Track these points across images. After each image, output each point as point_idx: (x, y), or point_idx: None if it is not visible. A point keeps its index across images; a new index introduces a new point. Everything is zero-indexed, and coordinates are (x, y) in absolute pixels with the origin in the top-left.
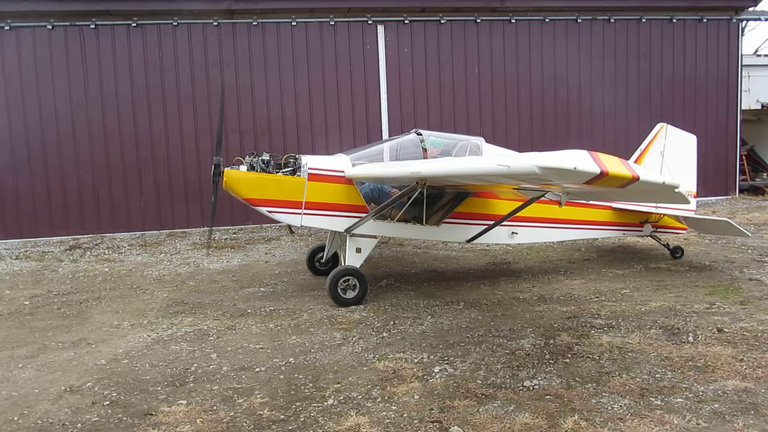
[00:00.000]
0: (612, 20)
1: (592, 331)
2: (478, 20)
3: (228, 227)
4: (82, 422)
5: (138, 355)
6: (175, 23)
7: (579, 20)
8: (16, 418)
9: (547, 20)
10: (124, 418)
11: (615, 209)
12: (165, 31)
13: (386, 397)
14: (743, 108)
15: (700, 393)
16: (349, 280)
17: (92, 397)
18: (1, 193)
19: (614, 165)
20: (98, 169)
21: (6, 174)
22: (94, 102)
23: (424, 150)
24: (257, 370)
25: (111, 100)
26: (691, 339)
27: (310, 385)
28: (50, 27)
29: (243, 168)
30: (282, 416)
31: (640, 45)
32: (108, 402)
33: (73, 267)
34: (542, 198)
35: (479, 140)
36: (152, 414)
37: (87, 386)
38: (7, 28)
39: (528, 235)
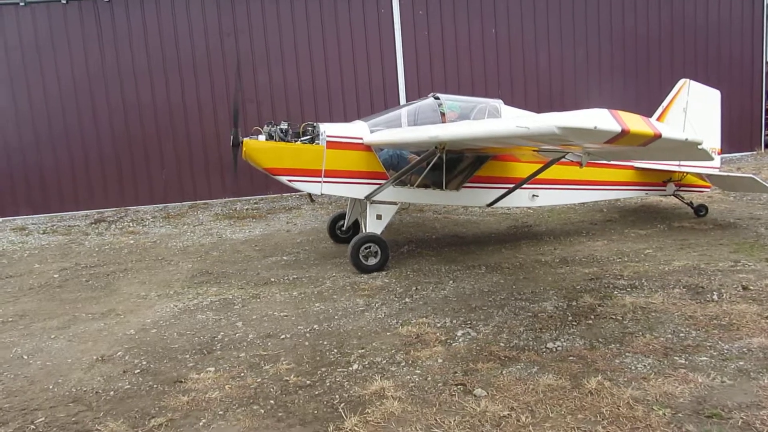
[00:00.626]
0: None
1: (615, 292)
2: None
3: (249, 197)
4: (115, 390)
5: (166, 325)
6: None
7: None
8: (51, 387)
9: None
10: (155, 386)
11: (637, 169)
12: (178, 0)
13: (410, 362)
14: None
15: (725, 351)
16: (370, 246)
17: (123, 366)
18: (26, 169)
19: (635, 123)
20: (119, 142)
21: (30, 150)
22: (112, 74)
23: (442, 114)
24: (282, 337)
25: (128, 72)
26: (715, 297)
27: (335, 351)
28: (64, 1)
29: (262, 137)
30: (308, 381)
31: None
32: (138, 370)
33: (99, 240)
34: (563, 159)
35: (498, 103)
36: (182, 381)
37: (118, 355)
38: (22, 4)
39: (549, 198)
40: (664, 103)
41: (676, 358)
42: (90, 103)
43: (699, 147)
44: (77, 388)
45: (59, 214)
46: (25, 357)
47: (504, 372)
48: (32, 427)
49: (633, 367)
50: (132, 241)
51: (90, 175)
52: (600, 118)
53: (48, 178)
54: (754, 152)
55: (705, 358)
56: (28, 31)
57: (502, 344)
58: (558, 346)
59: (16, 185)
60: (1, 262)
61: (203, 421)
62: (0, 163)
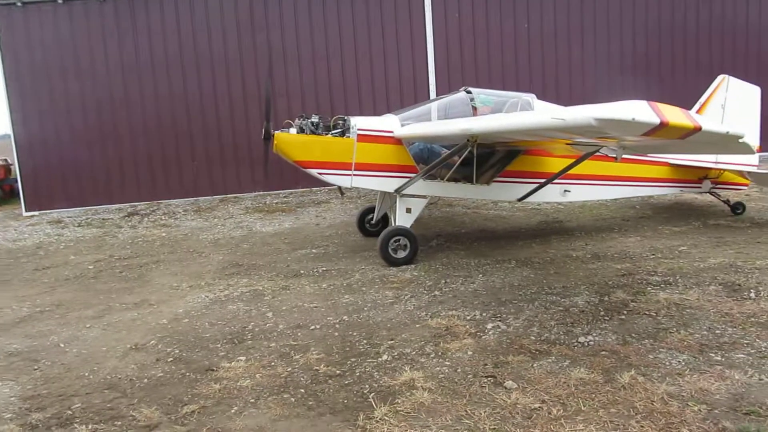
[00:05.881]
0: None
1: (649, 288)
2: None
3: (278, 191)
4: (148, 377)
5: (197, 315)
6: None
7: None
8: (87, 374)
9: None
10: (188, 374)
11: (672, 165)
12: None
13: (440, 353)
14: None
15: (763, 349)
16: (399, 240)
17: (156, 354)
18: (62, 164)
19: (675, 115)
20: (152, 136)
21: (67, 145)
22: (145, 67)
23: (474, 108)
24: (312, 327)
25: (161, 66)
26: (752, 295)
27: (364, 341)
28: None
29: (293, 131)
30: (338, 371)
31: None
32: (171, 359)
33: (132, 233)
34: (595, 154)
35: (531, 97)
36: (213, 370)
37: (151, 344)
38: (60, 2)
39: (581, 193)
40: (702, 99)
41: (712, 354)
42: (124, 98)
43: (740, 140)
44: (112, 375)
45: (93, 207)
46: (62, 345)
47: (535, 365)
48: (69, 412)
49: (667, 363)
50: (164, 234)
51: (123, 169)
52: (638, 110)
53: (83, 172)
54: None
55: (742, 356)
56: (65, 28)
57: (532, 338)
58: (590, 341)
59: (53, 180)
60: (38, 253)
61: (235, 408)
62: (38, 158)
